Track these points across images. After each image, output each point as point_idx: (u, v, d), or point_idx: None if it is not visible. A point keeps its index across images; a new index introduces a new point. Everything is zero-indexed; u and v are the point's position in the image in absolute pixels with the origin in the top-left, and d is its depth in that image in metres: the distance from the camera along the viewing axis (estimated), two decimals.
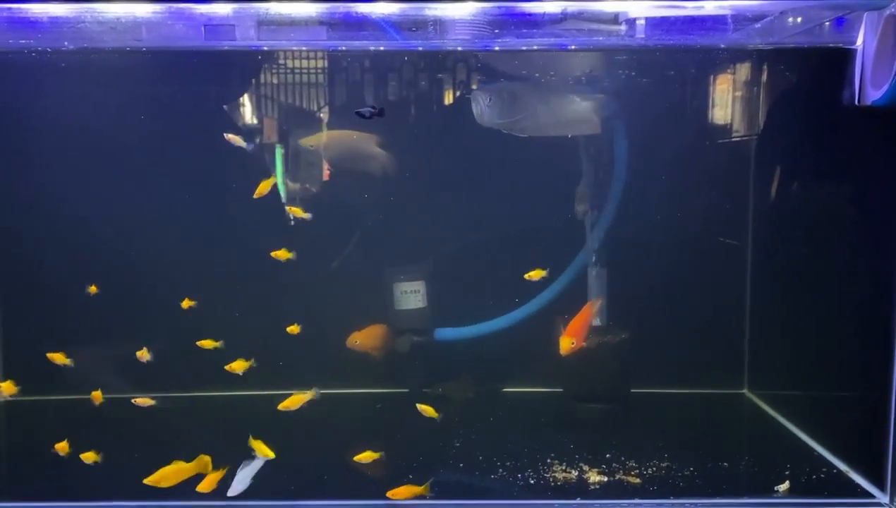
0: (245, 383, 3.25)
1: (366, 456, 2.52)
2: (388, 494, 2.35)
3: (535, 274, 2.97)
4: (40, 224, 3.28)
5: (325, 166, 3.41)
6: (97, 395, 2.72)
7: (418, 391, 3.36)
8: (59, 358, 2.69)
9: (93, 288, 2.84)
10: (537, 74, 3.25)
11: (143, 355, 2.76)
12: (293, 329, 2.93)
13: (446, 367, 3.37)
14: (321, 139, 3.35)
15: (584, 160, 3.30)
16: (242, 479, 2.30)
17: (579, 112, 3.18)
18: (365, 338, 3.16)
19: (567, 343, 2.82)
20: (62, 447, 2.48)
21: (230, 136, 2.90)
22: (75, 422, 2.53)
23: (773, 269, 3.29)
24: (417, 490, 2.35)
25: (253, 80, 3.37)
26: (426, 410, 2.70)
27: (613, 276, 3.29)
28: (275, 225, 3.42)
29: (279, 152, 3.37)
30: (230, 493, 2.29)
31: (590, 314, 3.04)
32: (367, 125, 3.13)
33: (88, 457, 2.43)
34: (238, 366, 2.72)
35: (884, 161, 2.44)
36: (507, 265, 3.38)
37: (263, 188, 2.83)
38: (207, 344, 2.78)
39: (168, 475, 2.24)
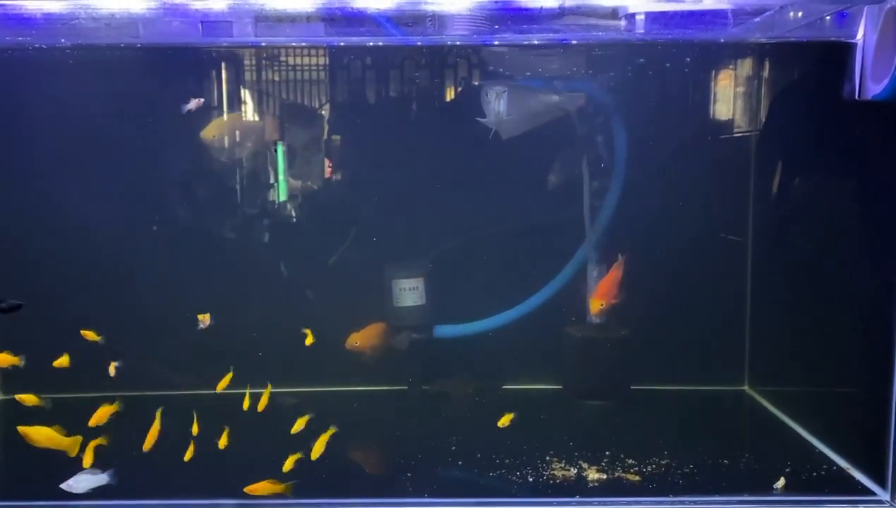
0: (243, 381, 3.26)
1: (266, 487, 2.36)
2: (246, 490, 2.29)
3: None
4: (39, 222, 3.27)
5: (327, 163, 3.41)
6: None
7: (417, 388, 3.36)
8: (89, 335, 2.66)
9: (93, 336, 2.78)
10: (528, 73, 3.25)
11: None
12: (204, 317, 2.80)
13: (445, 364, 3.36)
14: (220, 126, 3.29)
15: (566, 146, 3.31)
16: (81, 481, 2.30)
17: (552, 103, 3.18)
18: (364, 339, 3.15)
19: (597, 305, 2.83)
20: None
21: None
22: (74, 421, 2.52)
23: (773, 265, 3.28)
24: (278, 487, 2.30)
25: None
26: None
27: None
28: (274, 223, 3.43)
29: (280, 149, 3.36)
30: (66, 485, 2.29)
31: (619, 273, 3.03)
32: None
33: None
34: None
35: (884, 155, 2.43)
36: (507, 262, 3.39)
37: (224, 383, 2.78)
38: (89, 335, 2.68)
39: (40, 437, 2.28)
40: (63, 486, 2.28)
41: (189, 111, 2.88)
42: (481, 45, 3.14)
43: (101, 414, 2.44)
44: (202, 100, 2.93)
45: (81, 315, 3.13)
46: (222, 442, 2.49)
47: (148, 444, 2.43)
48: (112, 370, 2.67)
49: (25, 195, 3.24)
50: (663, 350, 3.33)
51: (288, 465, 2.39)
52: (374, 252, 3.35)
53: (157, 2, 2.37)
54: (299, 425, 2.57)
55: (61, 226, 3.26)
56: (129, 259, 3.32)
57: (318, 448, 2.43)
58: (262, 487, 2.30)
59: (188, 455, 2.44)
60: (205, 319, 2.71)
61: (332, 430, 2.46)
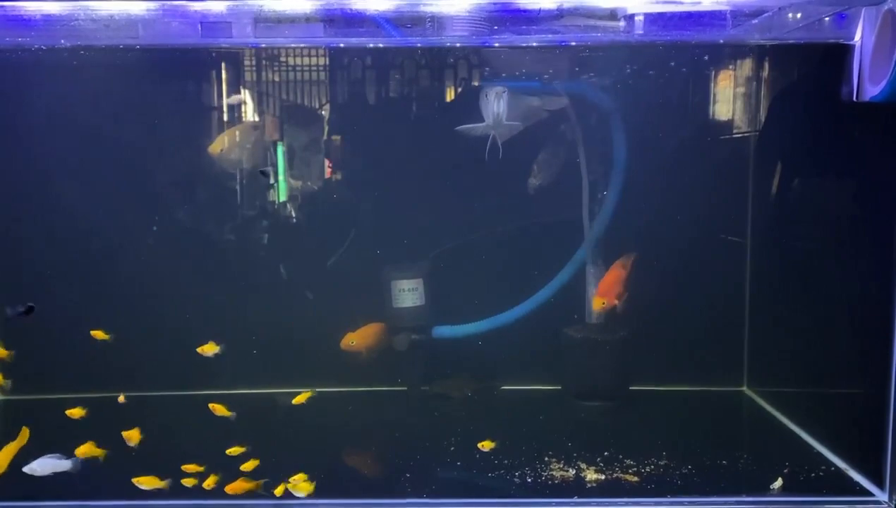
0: (243, 381, 3.27)
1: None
2: (226, 489, 2.33)
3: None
4: (39, 222, 3.28)
5: (327, 164, 3.41)
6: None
7: (417, 389, 3.36)
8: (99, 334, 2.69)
9: (102, 335, 2.78)
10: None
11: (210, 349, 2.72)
12: (210, 347, 2.77)
13: (444, 365, 3.37)
14: (225, 141, 3.27)
15: (565, 147, 3.32)
16: (45, 465, 2.30)
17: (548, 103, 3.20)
18: (360, 338, 3.15)
19: (598, 303, 2.84)
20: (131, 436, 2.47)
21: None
22: (73, 421, 2.52)
23: (772, 266, 3.28)
24: (250, 485, 2.34)
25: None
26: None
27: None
28: (273, 223, 3.43)
29: (280, 150, 3.36)
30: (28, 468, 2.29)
31: (621, 271, 3.03)
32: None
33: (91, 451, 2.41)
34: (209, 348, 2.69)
35: (882, 156, 2.43)
36: (505, 262, 3.39)
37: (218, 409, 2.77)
38: (99, 334, 2.72)
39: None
40: (26, 469, 2.28)
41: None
42: (480, 47, 3.15)
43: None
44: (241, 98, 2.92)
45: (82, 315, 3.15)
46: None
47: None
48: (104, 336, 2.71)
49: (25, 196, 3.25)
50: (662, 350, 3.34)
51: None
52: (374, 253, 3.35)
53: (156, 3, 2.37)
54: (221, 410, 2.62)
55: (61, 226, 3.27)
56: (130, 259, 3.33)
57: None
58: (237, 486, 2.34)
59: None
60: (212, 349, 2.72)
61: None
